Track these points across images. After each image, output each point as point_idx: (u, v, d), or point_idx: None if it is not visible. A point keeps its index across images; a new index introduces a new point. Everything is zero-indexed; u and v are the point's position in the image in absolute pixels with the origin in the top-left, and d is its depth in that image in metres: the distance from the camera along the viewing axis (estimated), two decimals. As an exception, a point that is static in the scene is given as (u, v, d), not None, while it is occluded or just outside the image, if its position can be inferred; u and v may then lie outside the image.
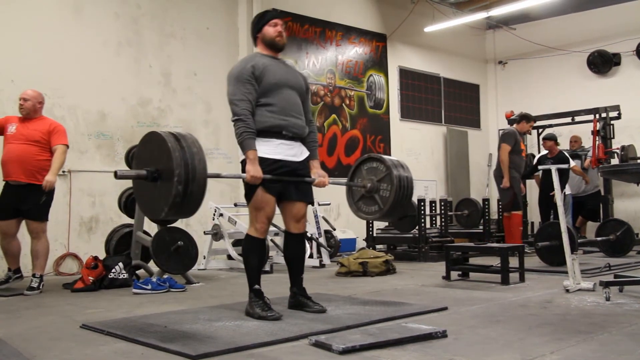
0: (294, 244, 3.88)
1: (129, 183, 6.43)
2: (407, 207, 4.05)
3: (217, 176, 3.59)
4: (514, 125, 8.01)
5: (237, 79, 3.59)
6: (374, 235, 8.18)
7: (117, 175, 3.12)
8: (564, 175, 8.09)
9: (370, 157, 4.09)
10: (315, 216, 7.31)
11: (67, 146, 5.37)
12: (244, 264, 3.80)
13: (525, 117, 8.02)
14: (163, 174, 3.09)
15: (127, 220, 6.30)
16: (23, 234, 5.40)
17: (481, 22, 12.10)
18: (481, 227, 8.61)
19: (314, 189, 3.87)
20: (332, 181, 3.96)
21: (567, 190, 8.87)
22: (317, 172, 3.85)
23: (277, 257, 6.91)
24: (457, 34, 11.75)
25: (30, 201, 5.15)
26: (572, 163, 8.78)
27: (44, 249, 5.26)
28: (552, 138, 8.69)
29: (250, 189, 3.60)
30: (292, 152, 3.70)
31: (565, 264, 4.67)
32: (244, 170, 3.57)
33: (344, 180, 4.30)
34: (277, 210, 3.81)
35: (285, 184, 3.68)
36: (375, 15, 10.57)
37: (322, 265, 6.87)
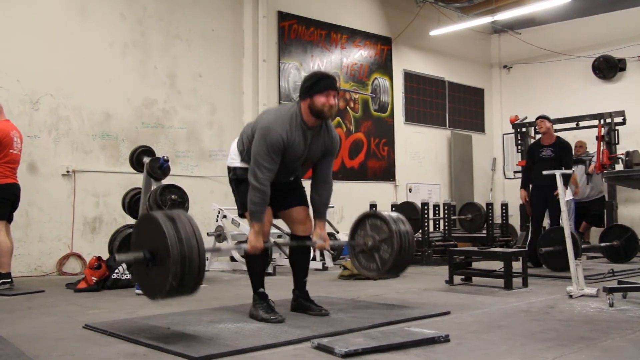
0: (300, 247, 3.89)
1: (133, 184, 6.45)
2: (406, 267, 4.04)
3: (217, 250, 3.57)
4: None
5: (272, 147, 3.47)
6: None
7: (115, 261, 3.14)
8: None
9: (375, 214, 4.06)
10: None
11: None
12: (247, 268, 3.81)
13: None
14: (160, 264, 3.03)
15: (131, 220, 6.29)
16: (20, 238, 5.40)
17: (486, 26, 12.09)
18: (484, 231, 8.59)
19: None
20: (332, 243, 4.02)
21: (569, 196, 8.07)
22: (319, 234, 3.77)
23: (279, 259, 6.91)
24: (462, 38, 11.74)
25: None
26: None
27: (1, 247, 5.16)
28: (549, 118, 6.91)
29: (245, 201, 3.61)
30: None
31: (569, 269, 4.66)
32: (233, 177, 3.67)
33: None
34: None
35: (277, 199, 3.71)
36: (381, 19, 10.57)
37: (325, 268, 6.86)
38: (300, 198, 3.86)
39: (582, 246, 6.78)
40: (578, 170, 8.95)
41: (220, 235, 6.79)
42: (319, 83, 3.57)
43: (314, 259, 6.98)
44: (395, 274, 4.01)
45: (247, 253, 3.82)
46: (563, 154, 6.66)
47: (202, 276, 3.05)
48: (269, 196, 3.52)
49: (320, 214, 3.83)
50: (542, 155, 6.71)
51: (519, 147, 9.78)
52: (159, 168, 5.63)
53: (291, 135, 3.54)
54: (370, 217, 4.05)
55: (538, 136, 9.20)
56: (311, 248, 3.92)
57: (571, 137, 9.99)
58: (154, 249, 3.05)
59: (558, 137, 6.89)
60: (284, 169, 3.66)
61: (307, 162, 3.79)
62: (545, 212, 6.81)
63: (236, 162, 3.77)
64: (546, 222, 6.93)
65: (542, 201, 6.70)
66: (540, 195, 6.70)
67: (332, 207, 8.39)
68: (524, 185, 6.99)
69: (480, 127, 12.51)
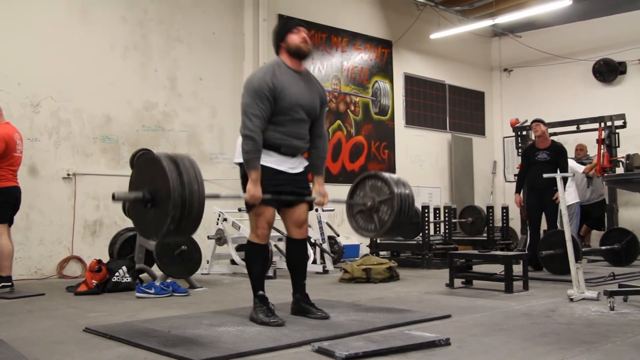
0: (296, 249, 3.89)
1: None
2: (404, 229, 3.99)
3: (217, 197, 3.56)
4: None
5: (256, 92, 3.53)
6: (378, 241, 8.16)
7: (114, 198, 3.10)
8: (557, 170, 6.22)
9: (377, 175, 4.03)
10: (319, 222, 7.30)
11: None
12: (247, 270, 3.81)
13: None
14: (159, 206, 3.00)
15: (131, 224, 6.29)
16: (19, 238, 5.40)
17: (487, 29, 12.10)
18: (485, 234, 8.59)
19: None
20: (332, 199, 3.97)
21: (574, 199, 8.05)
22: (318, 190, 3.84)
23: (280, 262, 6.91)
24: (462, 41, 11.75)
25: None
26: (579, 168, 8.63)
27: (2, 250, 5.18)
28: (544, 121, 6.87)
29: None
30: (290, 164, 3.73)
31: (569, 272, 4.65)
32: (242, 173, 3.62)
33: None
34: (278, 216, 3.82)
35: (283, 193, 3.70)
36: (381, 22, 10.59)
37: (325, 271, 6.86)
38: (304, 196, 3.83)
39: (583, 249, 6.76)
40: (579, 174, 8.95)
41: (220, 238, 6.80)
42: (286, 25, 3.80)
43: (315, 262, 6.99)
44: (393, 235, 3.99)
45: (247, 255, 3.82)
46: (559, 158, 6.63)
47: (199, 221, 3.05)
48: (261, 144, 3.53)
49: (318, 168, 3.87)
50: (538, 158, 6.69)
51: (520, 150, 9.77)
52: (160, 171, 5.63)
53: (276, 78, 3.58)
54: (370, 178, 4.03)
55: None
56: (308, 251, 3.91)
57: (572, 141, 10.04)
58: (154, 191, 3.02)
59: (553, 141, 6.86)
60: (291, 122, 3.64)
61: (310, 114, 3.75)
62: (542, 214, 6.76)
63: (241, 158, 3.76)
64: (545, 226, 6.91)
65: (538, 204, 6.67)
66: (536, 198, 6.67)
67: (333, 210, 8.38)
68: (518, 190, 6.92)
69: (480, 130, 12.51)
